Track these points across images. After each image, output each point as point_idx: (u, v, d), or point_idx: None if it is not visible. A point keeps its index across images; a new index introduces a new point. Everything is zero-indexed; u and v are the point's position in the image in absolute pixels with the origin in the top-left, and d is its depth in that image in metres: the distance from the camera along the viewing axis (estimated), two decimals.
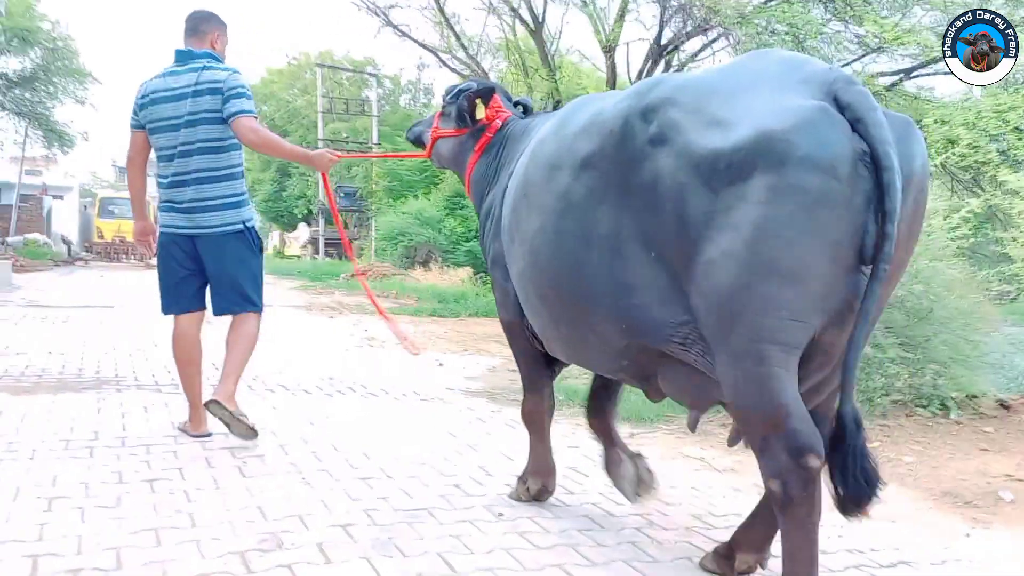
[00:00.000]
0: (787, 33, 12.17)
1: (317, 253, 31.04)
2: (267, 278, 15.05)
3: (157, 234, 4.41)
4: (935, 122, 11.33)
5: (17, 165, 43.51)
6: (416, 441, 4.50)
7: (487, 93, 3.63)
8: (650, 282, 2.41)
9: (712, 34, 13.92)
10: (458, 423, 5.07)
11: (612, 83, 15.55)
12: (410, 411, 5.42)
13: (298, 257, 33.49)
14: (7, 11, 20.76)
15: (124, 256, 28.91)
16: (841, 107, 2.12)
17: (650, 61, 14.84)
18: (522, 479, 3.54)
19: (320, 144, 29.63)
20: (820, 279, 2.14)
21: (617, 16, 14.77)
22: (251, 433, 4.13)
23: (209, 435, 4.30)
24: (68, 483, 3.46)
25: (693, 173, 2.23)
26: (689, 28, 14.10)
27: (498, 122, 3.61)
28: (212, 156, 4.14)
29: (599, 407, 3.43)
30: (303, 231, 35.79)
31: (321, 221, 30.74)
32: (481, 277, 16.62)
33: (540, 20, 15.25)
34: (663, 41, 14.73)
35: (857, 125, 2.10)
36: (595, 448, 3.62)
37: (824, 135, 2.08)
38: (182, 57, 4.21)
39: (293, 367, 6.95)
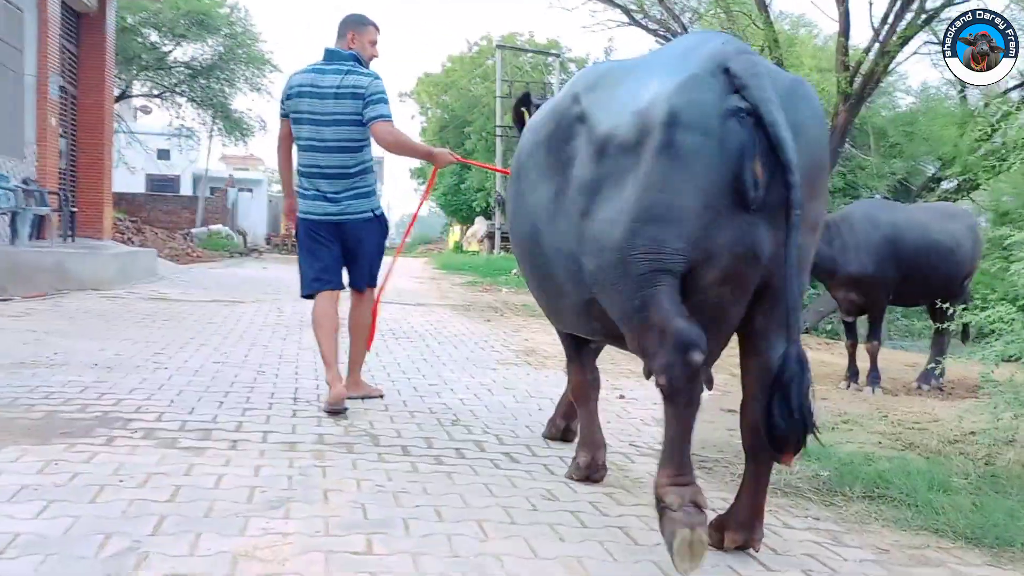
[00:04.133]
0: None
1: (493, 248, 29.26)
2: (435, 273, 12.92)
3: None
4: None
5: (225, 163, 45.19)
6: None
7: (526, 100, 3.97)
8: (592, 238, 2.64)
9: None
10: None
11: (845, 33, 12.45)
12: (569, 504, 3.03)
13: (475, 252, 31.94)
14: None
15: None
16: (730, 74, 2.39)
17: (898, 3, 11.67)
18: (575, 456, 3.49)
19: (497, 131, 28.10)
20: (696, 220, 2.38)
21: None
22: (379, 394, 4.76)
23: (343, 395, 4.36)
24: None
25: (600, 144, 2.61)
26: None
27: None
28: (349, 154, 4.42)
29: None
30: (480, 225, 34.25)
31: (497, 213, 28.95)
32: None
33: None
34: None
35: (743, 90, 2.36)
36: None
37: (689, 99, 2.38)
38: (329, 56, 4.48)
39: (410, 401, 4.75)
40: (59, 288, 9.96)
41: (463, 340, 7.77)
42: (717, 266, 2.41)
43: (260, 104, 45.12)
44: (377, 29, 4.63)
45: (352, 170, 4.43)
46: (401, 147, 4.60)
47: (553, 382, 5.64)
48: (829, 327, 13.96)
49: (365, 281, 4.64)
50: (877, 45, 11.88)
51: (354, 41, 4.52)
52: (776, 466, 3.80)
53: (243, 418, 4.04)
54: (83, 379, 4.72)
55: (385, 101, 4.37)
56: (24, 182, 11.82)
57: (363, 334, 4.68)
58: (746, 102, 2.34)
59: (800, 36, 18.29)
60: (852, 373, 6.51)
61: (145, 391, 4.51)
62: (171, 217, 29.50)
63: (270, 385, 4.96)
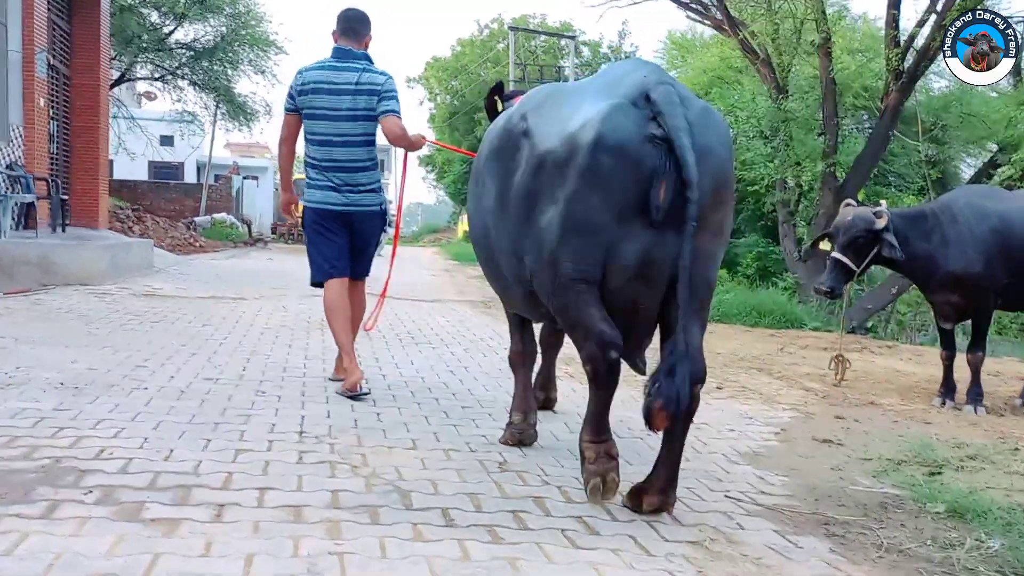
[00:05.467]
0: None
1: None
2: (448, 264, 12.08)
3: (300, 206, 4.90)
4: None
5: (230, 151, 44.03)
6: None
7: (499, 88, 4.26)
8: (528, 244, 3.07)
9: None
10: None
11: (896, 4, 11.45)
12: None
13: None
14: None
15: None
16: (650, 102, 2.76)
17: None
18: (509, 418, 3.93)
19: None
20: (612, 232, 2.78)
21: None
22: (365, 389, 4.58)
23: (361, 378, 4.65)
24: None
25: (539, 159, 2.98)
26: None
27: None
28: (365, 148, 4.64)
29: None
30: None
31: None
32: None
33: None
34: None
35: (659, 116, 2.73)
36: None
37: (612, 126, 2.75)
38: (341, 55, 4.60)
39: (443, 433, 3.85)
40: (44, 283, 9.09)
41: (490, 345, 6.87)
42: (629, 270, 2.79)
43: (265, 88, 43.53)
44: None
45: (366, 163, 4.64)
46: (405, 141, 4.73)
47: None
48: (870, 324, 13.01)
49: (365, 272, 4.90)
50: (934, 17, 10.86)
51: (369, 43, 4.76)
52: (939, 552, 2.92)
53: (234, 465, 3.13)
54: (41, 406, 3.83)
55: (397, 99, 4.59)
56: (9, 167, 10.94)
57: (359, 312, 4.90)
58: (661, 128, 2.70)
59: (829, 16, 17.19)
60: (948, 389, 5.58)
61: (115, 423, 3.61)
62: (174, 205, 28.62)
63: (271, 412, 4.06)
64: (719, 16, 12.40)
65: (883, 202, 5.54)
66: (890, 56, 11.42)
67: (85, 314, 7.09)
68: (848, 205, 5.65)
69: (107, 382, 4.45)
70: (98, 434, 3.43)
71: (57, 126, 13.49)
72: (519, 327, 4.00)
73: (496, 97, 4.16)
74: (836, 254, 5.40)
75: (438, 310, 9.32)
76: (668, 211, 2.68)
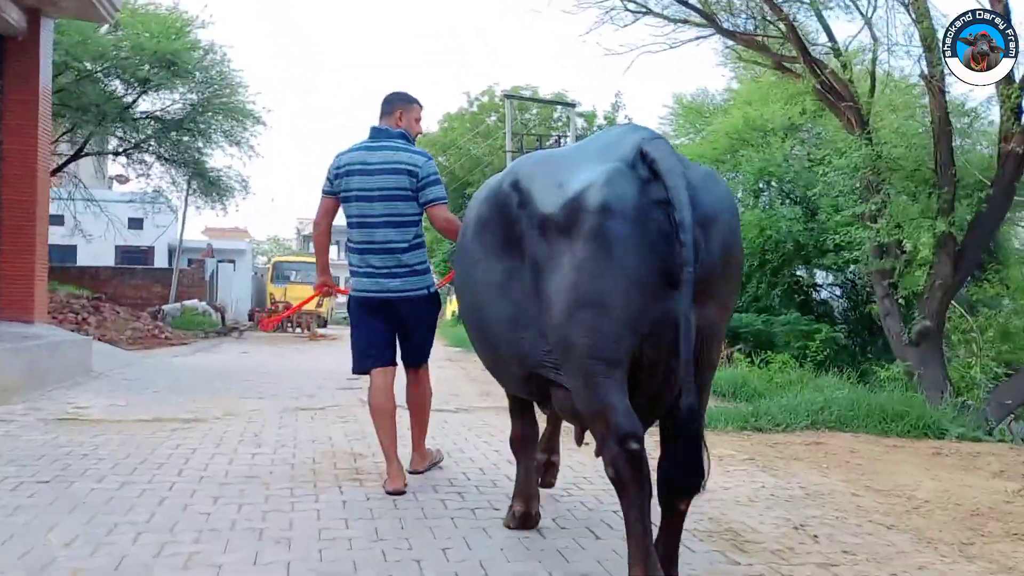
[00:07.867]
0: None
1: None
2: (449, 352, 8.60)
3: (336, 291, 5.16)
4: None
5: (208, 236, 41.50)
6: None
7: None
8: (529, 319, 2.89)
9: None
10: None
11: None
12: None
13: None
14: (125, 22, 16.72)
15: (290, 326, 24.86)
16: (647, 160, 2.58)
17: None
18: (511, 505, 3.74)
19: None
20: (627, 303, 2.51)
21: None
22: (441, 458, 4.91)
23: (403, 492, 4.29)
24: None
25: (539, 228, 2.80)
26: None
27: None
28: (403, 229, 4.42)
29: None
30: None
31: None
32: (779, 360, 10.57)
33: None
34: None
35: (653, 163, 2.55)
36: None
37: (613, 190, 2.54)
38: (376, 134, 4.53)
39: None
40: None
41: (567, 488, 4.28)
42: (654, 340, 2.54)
43: (242, 161, 39.54)
44: (421, 107, 4.76)
45: (402, 245, 4.44)
46: (454, 233, 4.43)
47: None
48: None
49: (420, 360, 4.65)
50: None
51: (402, 119, 4.63)
52: None
53: None
54: None
55: (441, 183, 4.51)
56: None
57: (424, 411, 4.71)
58: (662, 187, 2.51)
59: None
60: None
61: None
62: (141, 292, 26.13)
63: None
64: (792, 52, 10.24)
65: None
66: (1007, 93, 9.26)
67: None
68: None
69: None
70: None
71: None
72: (520, 408, 3.77)
73: None
74: None
75: (470, 426, 6.76)
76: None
